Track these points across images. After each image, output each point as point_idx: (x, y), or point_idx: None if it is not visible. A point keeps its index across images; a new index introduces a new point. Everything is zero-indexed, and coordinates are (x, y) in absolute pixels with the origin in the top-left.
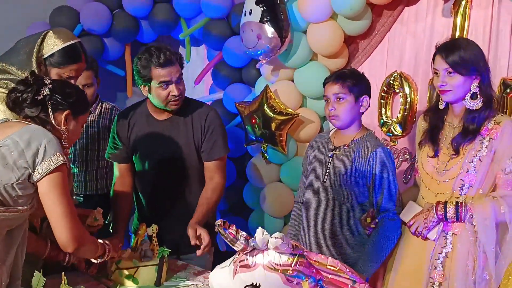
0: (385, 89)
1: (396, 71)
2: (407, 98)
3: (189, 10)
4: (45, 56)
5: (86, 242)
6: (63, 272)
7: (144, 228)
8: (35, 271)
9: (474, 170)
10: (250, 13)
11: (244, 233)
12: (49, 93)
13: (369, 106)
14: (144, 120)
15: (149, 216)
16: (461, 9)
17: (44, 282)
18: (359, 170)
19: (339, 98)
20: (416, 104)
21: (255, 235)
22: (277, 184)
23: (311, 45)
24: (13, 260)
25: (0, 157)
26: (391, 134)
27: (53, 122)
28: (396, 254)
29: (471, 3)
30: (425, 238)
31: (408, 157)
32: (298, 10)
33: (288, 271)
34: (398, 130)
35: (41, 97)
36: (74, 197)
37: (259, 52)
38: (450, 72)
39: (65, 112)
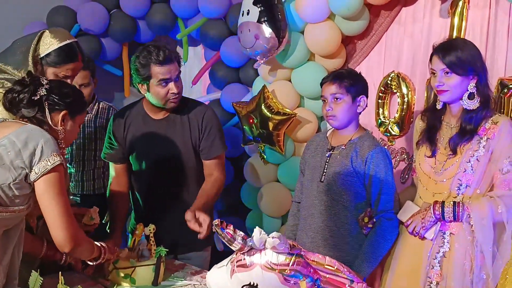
0: (383, 89)
1: (393, 71)
2: (404, 98)
3: (187, 10)
4: (41, 56)
5: (82, 242)
6: (60, 272)
7: (142, 228)
8: (32, 271)
9: (472, 170)
10: (248, 13)
11: (241, 233)
12: (46, 93)
13: (366, 106)
14: (141, 120)
15: (146, 216)
16: (458, 9)
17: (41, 282)
18: (357, 170)
19: (337, 98)
20: (414, 104)
21: (253, 235)
22: (274, 184)
23: (308, 45)
24: (9, 260)
25: None
26: (388, 134)
27: (50, 122)
28: (393, 253)
29: (468, 3)
30: (423, 238)
31: (405, 157)
32: (296, 10)
33: (286, 271)
34: (395, 130)
35: (38, 97)
36: (71, 197)
37: (256, 52)
38: (447, 72)
39: (62, 112)
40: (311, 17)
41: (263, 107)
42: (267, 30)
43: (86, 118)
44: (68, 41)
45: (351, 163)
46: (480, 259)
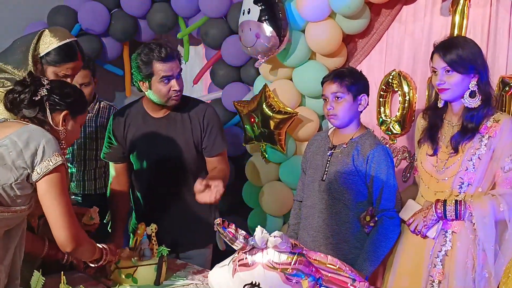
0: (384, 87)
1: (394, 69)
2: (405, 97)
3: (188, 9)
4: (41, 55)
5: (84, 242)
6: (62, 272)
7: (143, 228)
8: (35, 270)
9: (473, 168)
10: (249, 12)
11: (243, 232)
12: (46, 93)
13: (367, 104)
14: (141, 119)
15: (147, 215)
16: (460, 7)
17: (43, 282)
18: (358, 168)
19: (338, 97)
20: (415, 102)
21: (254, 234)
22: (276, 183)
23: (309, 44)
24: (11, 260)
25: None
26: (390, 133)
27: (51, 122)
28: (395, 252)
29: (470, 1)
30: (425, 237)
31: (407, 155)
32: (297, 9)
33: (288, 270)
34: (397, 128)
35: (39, 97)
36: (72, 197)
37: (257, 51)
38: (448, 71)
39: (63, 113)
40: (312, 16)
41: (264, 106)
42: (268, 29)
43: (87, 118)
44: (67, 40)
45: (352, 162)
46: (482, 257)
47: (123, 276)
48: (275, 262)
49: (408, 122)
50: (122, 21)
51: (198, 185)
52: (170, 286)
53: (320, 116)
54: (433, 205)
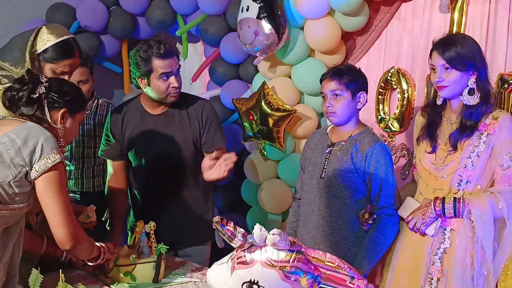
0: (383, 85)
1: (393, 67)
2: (404, 94)
3: (186, 6)
4: (38, 52)
5: (82, 240)
6: (60, 270)
7: (142, 225)
8: (33, 268)
9: (472, 165)
10: (247, 10)
11: (241, 229)
12: (45, 91)
13: (366, 102)
14: (138, 116)
15: (145, 213)
16: (458, 4)
17: (41, 280)
18: (357, 166)
19: (336, 95)
20: (414, 100)
21: (253, 231)
22: (274, 180)
23: (308, 41)
24: (9, 258)
25: None
26: (388, 130)
27: (50, 120)
28: (394, 250)
29: None
30: (423, 234)
31: (406, 153)
32: (295, 6)
33: (286, 268)
34: (395, 126)
35: (37, 95)
36: (70, 194)
37: (256, 49)
38: (447, 68)
39: (62, 110)
40: (311, 13)
41: (263, 103)
42: (266, 26)
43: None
44: (65, 37)
45: (351, 159)
46: (480, 255)
47: (122, 274)
48: (273, 260)
49: (407, 120)
50: (121, 18)
51: (207, 160)
52: (168, 284)
53: (319, 114)
54: (432, 203)
